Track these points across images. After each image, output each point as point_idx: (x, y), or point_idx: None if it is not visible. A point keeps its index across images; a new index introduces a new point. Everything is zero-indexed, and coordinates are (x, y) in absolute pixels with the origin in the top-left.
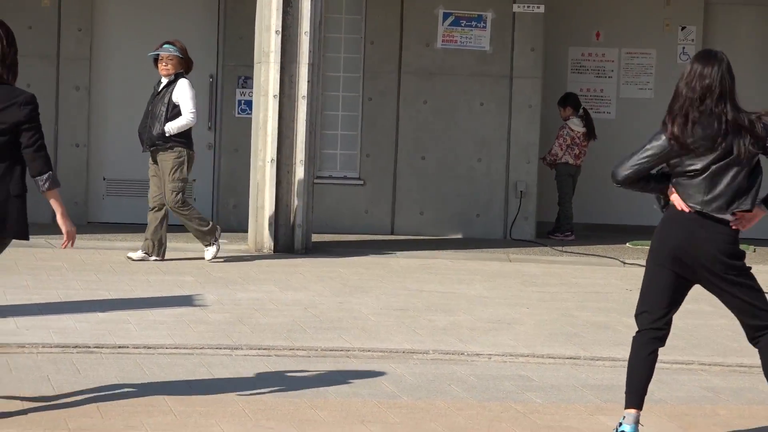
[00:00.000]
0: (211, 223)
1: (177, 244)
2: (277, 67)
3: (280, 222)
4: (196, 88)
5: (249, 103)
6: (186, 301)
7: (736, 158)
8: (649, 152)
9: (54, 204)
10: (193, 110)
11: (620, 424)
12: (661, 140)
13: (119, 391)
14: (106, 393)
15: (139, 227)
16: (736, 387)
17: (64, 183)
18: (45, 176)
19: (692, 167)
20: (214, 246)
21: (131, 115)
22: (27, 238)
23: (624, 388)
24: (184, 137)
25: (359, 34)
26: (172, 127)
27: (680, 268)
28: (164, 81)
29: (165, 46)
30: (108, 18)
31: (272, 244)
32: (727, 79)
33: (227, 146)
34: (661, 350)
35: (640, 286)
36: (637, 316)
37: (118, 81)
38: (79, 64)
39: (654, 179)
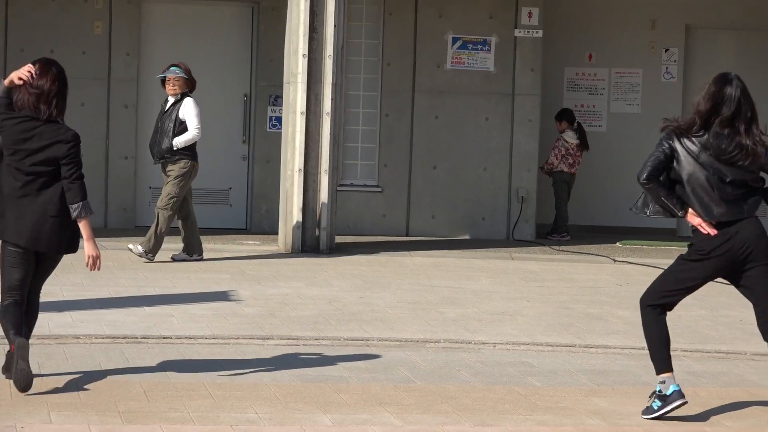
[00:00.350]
0: (160, 245)
1: (214, 245)
2: (304, 87)
3: (306, 225)
4: (227, 107)
5: (279, 119)
6: (223, 296)
7: None
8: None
9: (83, 229)
10: (198, 126)
11: (659, 390)
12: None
13: (164, 377)
14: (152, 379)
15: (174, 230)
16: (715, 371)
17: (114, 192)
18: (76, 205)
19: None
20: (145, 256)
21: None
22: (73, 251)
23: (614, 374)
24: (190, 150)
25: (377, 57)
26: (179, 142)
27: None
28: (171, 100)
29: (172, 68)
30: (153, 44)
31: (300, 245)
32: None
33: (260, 157)
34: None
35: (629, 281)
36: None
37: (162, 100)
38: (127, 85)
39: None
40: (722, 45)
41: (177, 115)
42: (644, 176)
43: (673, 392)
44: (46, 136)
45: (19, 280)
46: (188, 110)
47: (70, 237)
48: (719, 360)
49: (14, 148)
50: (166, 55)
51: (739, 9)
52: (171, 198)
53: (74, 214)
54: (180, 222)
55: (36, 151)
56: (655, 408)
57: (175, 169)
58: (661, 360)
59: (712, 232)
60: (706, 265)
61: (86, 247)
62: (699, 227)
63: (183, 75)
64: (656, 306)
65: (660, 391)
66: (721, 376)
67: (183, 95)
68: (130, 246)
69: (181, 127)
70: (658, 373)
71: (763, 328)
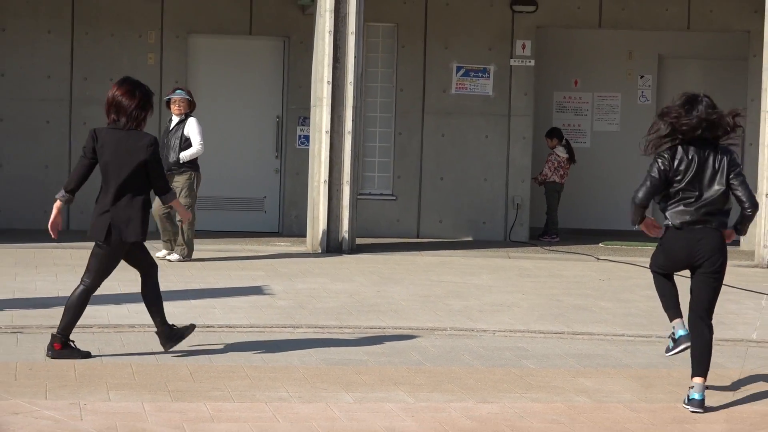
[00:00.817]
0: (192, 247)
1: (250, 247)
2: (329, 109)
3: (331, 229)
4: (262, 127)
5: (307, 137)
6: (258, 290)
7: None
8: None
9: (175, 205)
10: (202, 142)
11: (672, 333)
12: None
13: (207, 360)
14: (197, 362)
15: (222, 234)
16: (686, 356)
17: None
18: (165, 195)
19: None
20: (184, 259)
21: (217, 149)
22: (144, 239)
23: (598, 357)
24: (193, 163)
25: (391, 84)
26: (185, 155)
27: None
28: (176, 119)
29: (177, 91)
30: (198, 74)
31: (325, 245)
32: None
33: (290, 170)
34: (625, 326)
35: (611, 277)
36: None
37: (207, 122)
38: None
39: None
40: (690, 72)
41: (182, 133)
42: None
43: (680, 336)
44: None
45: None
46: (192, 128)
47: None
48: None
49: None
50: (209, 82)
51: (704, 41)
52: (187, 207)
53: (164, 200)
54: (166, 222)
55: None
56: (670, 347)
57: (181, 180)
58: (671, 309)
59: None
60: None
61: (180, 211)
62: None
63: (188, 97)
64: (659, 273)
65: (673, 334)
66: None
67: (186, 115)
68: (168, 257)
69: (186, 143)
70: (670, 320)
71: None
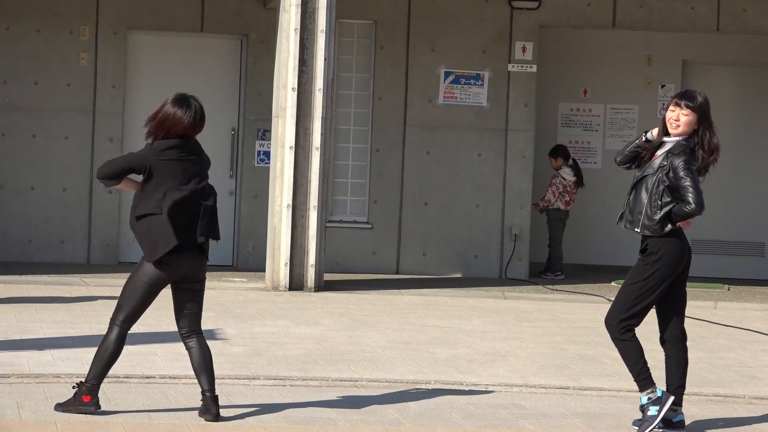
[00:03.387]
0: None
1: None
2: (293, 120)
3: (294, 262)
4: (214, 141)
5: (267, 154)
6: (208, 334)
7: None
8: None
9: None
10: None
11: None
12: None
13: (146, 418)
14: (134, 420)
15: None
16: (713, 415)
17: (98, 227)
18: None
19: None
20: None
21: None
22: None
23: (609, 417)
24: None
25: (368, 91)
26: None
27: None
28: None
29: None
30: (139, 77)
31: (287, 282)
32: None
33: (247, 193)
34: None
35: None
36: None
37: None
38: (112, 118)
39: None
40: (718, 80)
41: None
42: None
43: (662, 393)
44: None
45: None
46: None
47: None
48: (717, 404)
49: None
50: (152, 88)
51: (735, 45)
52: None
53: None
54: None
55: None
56: (655, 413)
57: None
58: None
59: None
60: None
61: None
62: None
63: None
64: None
65: (650, 399)
66: (719, 421)
67: None
68: None
69: None
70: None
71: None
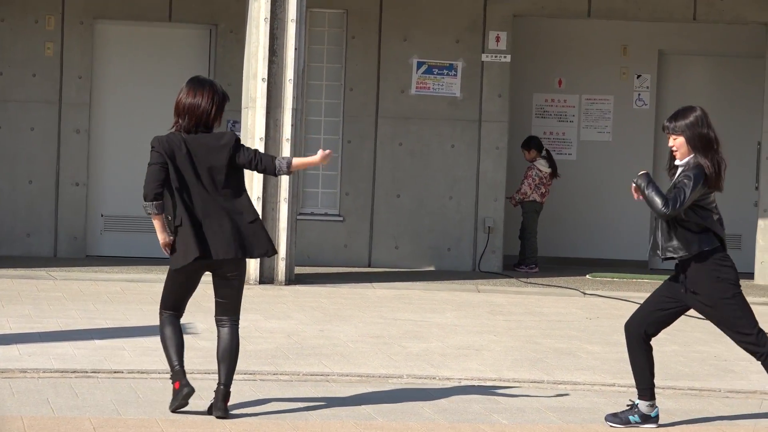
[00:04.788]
0: None
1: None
2: (263, 111)
3: None
4: None
5: None
6: None
7: None
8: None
9: (302, 163)
10: None
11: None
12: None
13: (114, 413)
14: (102, 416)
15: (133, 260)
16: (688, 408)
17: (64, 220)
18: (280, 165)
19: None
20: None
21: (127, 156)
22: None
23: (584, 412)
24: None
25: (339, 82)
26: None
27: None
28: None
29: None
30: (106, 67)
31: (258, 276)
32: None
33: None
34: (615, 374)
35: (600, 315)
36: None
37: (115, 125)
38: (79, 109)
39: None
40: (694, 71)
41: None
42: None
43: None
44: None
45: None
46: None
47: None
48: (693, 397)
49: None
50: (119, 78)
51: (712, 35)
52: None
53: (285, 169)
54: None
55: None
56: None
57: None
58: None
59: None
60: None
61: (320, 157)
62: None
63: None
64: None
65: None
66: (694, 414)
67: None
68: None
69: None
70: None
71: None
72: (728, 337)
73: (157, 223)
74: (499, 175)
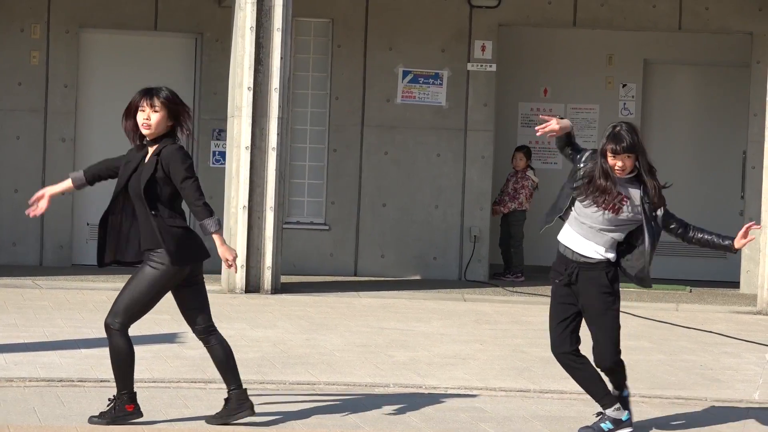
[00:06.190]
0: None
1: None
2: (249, 120)
3: (250, 264)
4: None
5: (223, 154)
6: (163, 338)
7: None
8: None
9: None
10: None
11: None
12: None
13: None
14: (89, 425)
15: (119, 269)
16: (674, 418)
17: (50, 228)
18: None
19: None
20: None
21: None
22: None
23: (570, 420)
24: None
25: (325, 91)
26: None
27: None
28: None
29: None
30: (92, 76)
31: (244, 284)
32: None
33: None
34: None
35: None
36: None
37: (100, 133)
38: (65, 118)
39: None
40: (680, 80)
41: None
42: None
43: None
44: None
45: None
46: None
47: None
48: (679, 406)
49: None
50: (105, 87)
51: (696, 44)
52: None
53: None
54: None
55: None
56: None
57: None
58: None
59: None
60: None
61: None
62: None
63: None
64: None
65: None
66: (680, 423)
67: None
68: None
69: None
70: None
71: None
72: (713, 347)
73: (220, 238)
74: (485, 184)
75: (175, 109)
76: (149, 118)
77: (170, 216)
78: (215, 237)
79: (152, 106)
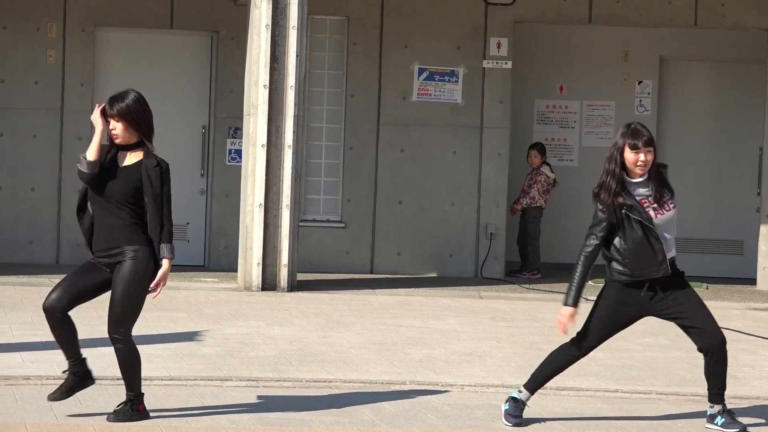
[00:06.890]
0: None
1: (170, 283)
2: (265, 118)
3: (267, 262)
4: (184, 139)
5: (239, 152)
6: (180, 336)
7: None
8: None
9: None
10: None
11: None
12: None
13: None
14: (106, 422)
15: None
16: (691, 415)
17: (67, 227)
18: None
19: None
20: None
21: None
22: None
23: (587, 418)
24: None
25: (341, 88)
26: None
27: None
28: None
29: None
30: (108, 74)
31: (260, 282)
32: None
33: (218, 192)
34: (619, 380)
35: None
36: None
37: None
38: (81, 116)
39: None
40: (696, 76)
41: None
42: None
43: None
44: None
45: None
46: None
47: None
48: (696, 403)
49: None
50: (121, 86)
51: (713, 40)
52: None
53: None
54: None
55: None
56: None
57: None
58: None
59: None
60: None
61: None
62: None
63: None
64: None
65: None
66: (698, 420)
67: None
68: None
69: None
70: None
71: None
72: (729, 344)
73: (170, 265)
74: (501, 182)
75: (131, 119)
76: (114, 128)
77: (139, 216)
78: (168, 262)
79: (113, 115)
